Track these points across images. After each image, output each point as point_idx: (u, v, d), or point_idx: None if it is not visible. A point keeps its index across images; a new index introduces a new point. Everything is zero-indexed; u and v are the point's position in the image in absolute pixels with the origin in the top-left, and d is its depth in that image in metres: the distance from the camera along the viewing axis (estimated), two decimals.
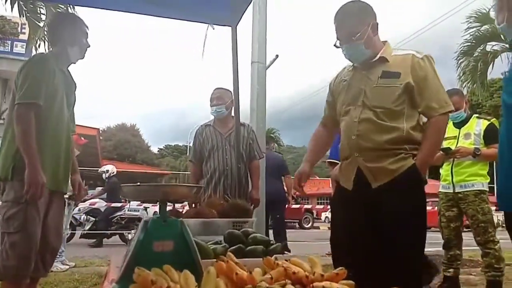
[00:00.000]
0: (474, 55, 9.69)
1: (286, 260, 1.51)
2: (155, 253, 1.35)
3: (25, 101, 2.09)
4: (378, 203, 1.87)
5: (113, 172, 8.79)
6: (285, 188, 6.02)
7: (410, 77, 1.88)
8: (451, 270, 3.49)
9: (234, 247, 1.71)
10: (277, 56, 4.66)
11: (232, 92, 3.20)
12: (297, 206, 17.58)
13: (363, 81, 1.98)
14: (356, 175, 1.95)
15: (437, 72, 1.94)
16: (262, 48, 4.39)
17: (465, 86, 9.78)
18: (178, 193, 1.42)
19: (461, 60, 9.97)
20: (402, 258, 1.83)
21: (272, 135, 37.24)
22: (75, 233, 8.12)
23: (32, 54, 2.19)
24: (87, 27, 2.45)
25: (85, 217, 8.33)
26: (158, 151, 60.99)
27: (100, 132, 32.91)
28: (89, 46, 2.45)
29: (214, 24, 2.89)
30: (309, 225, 17.95)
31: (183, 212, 2.21)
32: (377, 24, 1.98)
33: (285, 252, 1.78)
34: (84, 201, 8.45)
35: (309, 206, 17.79)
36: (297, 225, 17.54)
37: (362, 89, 1.96)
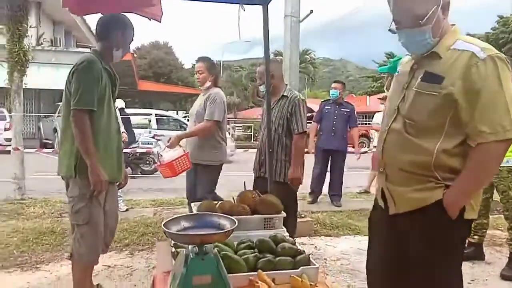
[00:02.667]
0: None
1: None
2: (195, 285, 1.55)
3: (81, 107, 2.29)
4: (397, 233, 1.64)
5: (121, 107, 9.08)
6: (350, 139, 6.31)
7: (459, 85, 1.43)
8: (476, 237, 3.62)
9: (264, 259, 1.89)
10: (311, 11, 4.38)
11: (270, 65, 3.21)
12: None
13: (408, 79, 1.62)
14: (381, 193, 1.72)
15: (505, 81, 1.42)
16: (296, 1, 4.20)
17: None
18: (213, 239, 1.58)
19: None
20: None
21: (307, 55, 36.08)
22: None
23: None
24: (134, 32, 2.54)
25: None
26: (192, 66, 61.23)
27: (135, 50, 33.11)
28: (129, 51, 2.61)
29: (244, 3, 2.78)
30: (365, 149, 17.57)
31: (218, 206, 2.37)
32: (449, 2, 1.51)
33: (311, 263, 1.93)
34: None
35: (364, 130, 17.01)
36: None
37: (403, 89, 1.62)
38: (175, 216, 1.74)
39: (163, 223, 1.63)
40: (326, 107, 6.03)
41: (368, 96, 34.60)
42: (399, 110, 1.61)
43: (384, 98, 6.65)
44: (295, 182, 3.27)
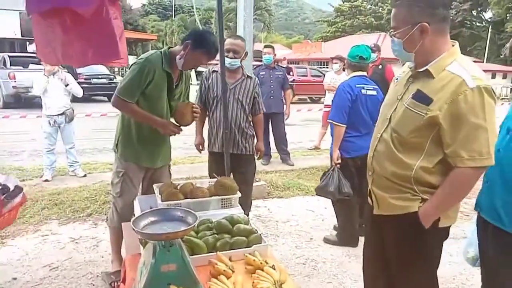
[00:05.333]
0: None
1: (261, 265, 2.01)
2: (163, 272, 1.82)
3: (119, 95, 2.58)
4: (380, 230, 1.87)
5: None
6: (284, 100, 6.50)
7: (445, 109, 1.52)
8: None
9: (222, 240, 2.17)
10: None
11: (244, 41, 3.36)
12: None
13: (403, 91, 1.71)
14: (369, 193, 1.91)
15: (489, 114, 1.49)
16: None
17: None
18: (177, 236, 1.82)
19: None
20: None
21: (262, 1, 35.14)
22: None
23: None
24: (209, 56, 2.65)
25: None
26: (142, 6, 57.78)
27: None
28: (193, 68, 2.83)
29: None
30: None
31: (179, 189, 2.59)
32: (428, 28, 1.55)
33: (262, 241, 2.22)
34: None
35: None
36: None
37: (397, 99, 1.72)
38: (143, 212, 1.95)
39: (132, 220, 1.84)
40: (261, 73, 6.23)
41: (323, 42, 34.79)
42: (390, 121, 1.73)
43: (338, 58, 6.88)
44: (262, 154, 3.68)
